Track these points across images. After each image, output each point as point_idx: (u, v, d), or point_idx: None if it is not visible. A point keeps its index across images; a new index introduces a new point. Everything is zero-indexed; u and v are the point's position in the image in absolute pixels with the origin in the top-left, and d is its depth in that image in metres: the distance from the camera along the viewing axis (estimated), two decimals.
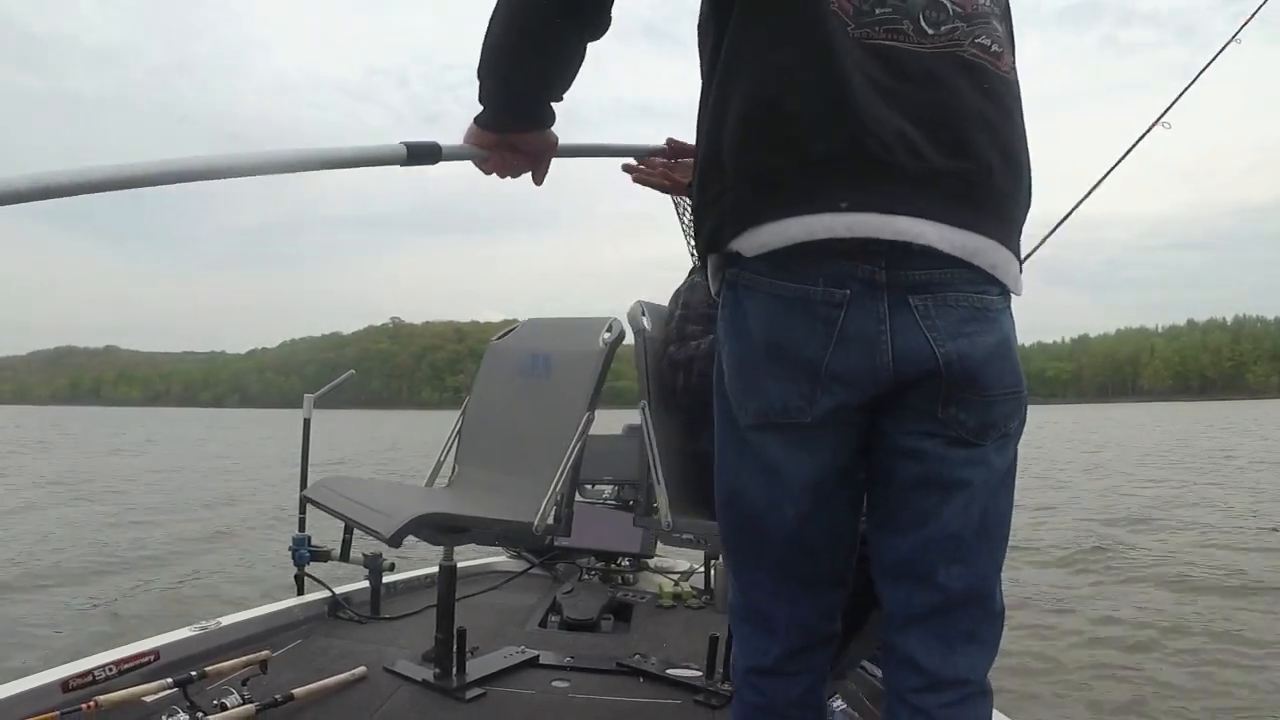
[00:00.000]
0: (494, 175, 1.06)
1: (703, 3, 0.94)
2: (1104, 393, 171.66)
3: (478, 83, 0.96)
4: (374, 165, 0.98)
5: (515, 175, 1.07)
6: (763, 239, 0.81)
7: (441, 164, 1.01)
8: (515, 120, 1.01)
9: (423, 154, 0.98)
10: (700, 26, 0.94)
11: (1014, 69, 0.89)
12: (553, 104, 1.01)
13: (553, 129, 1.05)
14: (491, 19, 0.90)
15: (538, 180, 1.11)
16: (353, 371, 3.39)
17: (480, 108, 1.00)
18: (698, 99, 0.93)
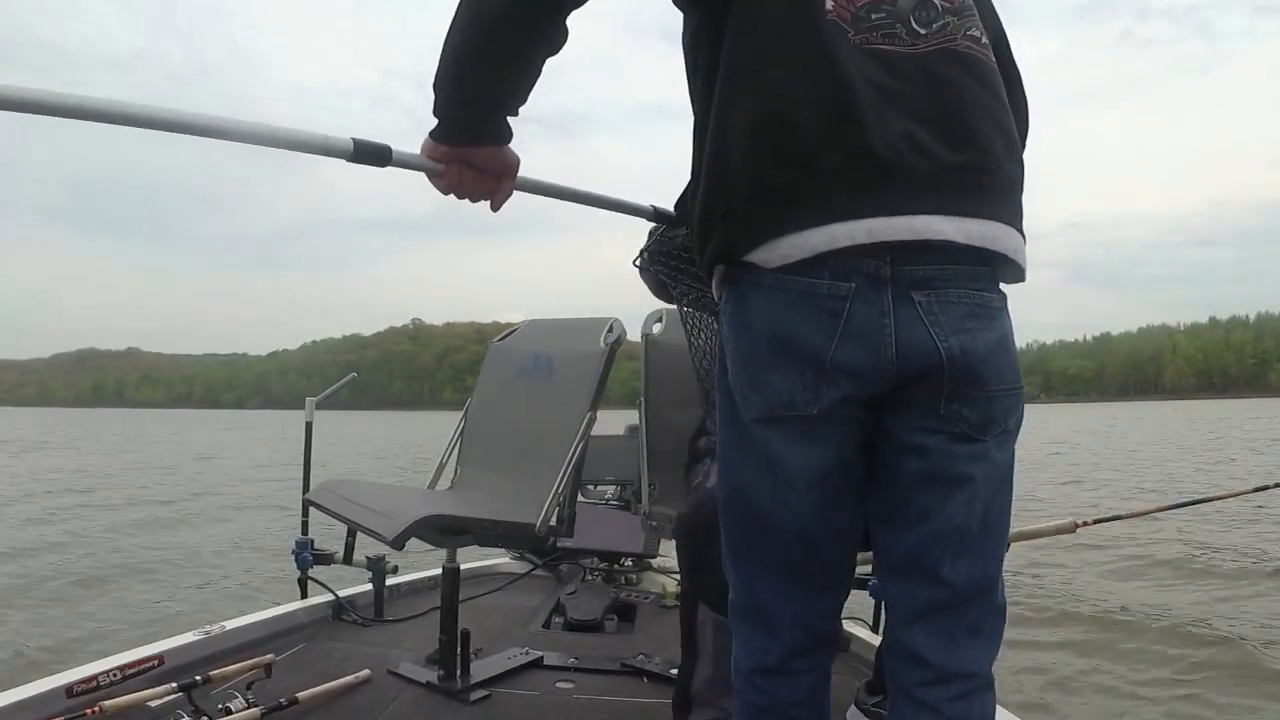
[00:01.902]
0: (451, 196, 1.00)
1: (686, 24, 0.94)
2: (1126, 390, 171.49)
3: (433, 95, 0.93)
4: (318, 154, 0.94)
5: (473, 198, 1.02)
6: (783, 251, 0.82)
7: (391, 169, 0.97)
8: (468, 134, 0.96)
9: (371, 154, 0.95)
10: (688, 45, 0.95)
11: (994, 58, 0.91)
12: (509, 119, 0.96)
13: (512, 148, 0.99)
14: (449, 31, 0.88)
15: (495, 206, 1.04)
16: (355, 374, 3.39)
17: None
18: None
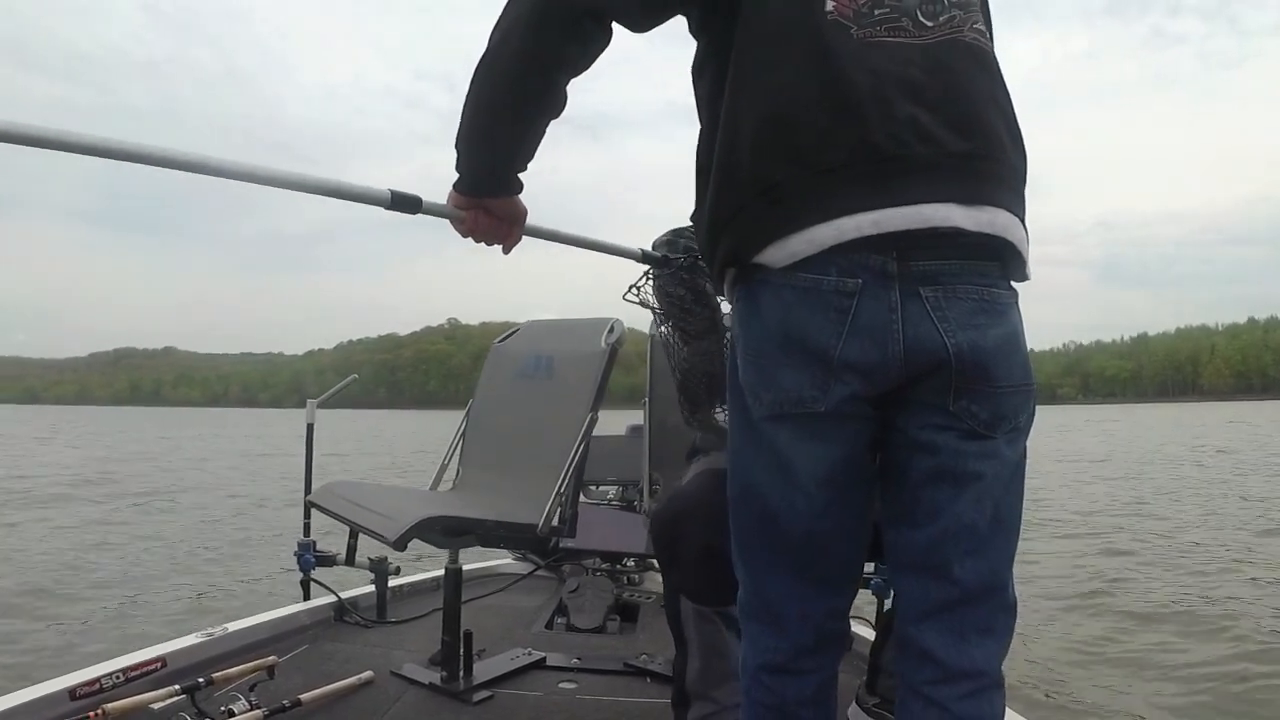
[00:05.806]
0: (469, 239, 1.16)
1: (699, 47, 0.97)
2: (1164, 391, 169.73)
3: (455, 154, 1.06)
4: (359, 201, 1.09)
5: (489, 242, 1.18)
6: (792, 249, 0.82)
7: (421, 215, 1.13)
8: (485, 187, 1.11)
9: (405, 203, 1.11)
10: (696, 67, 0.98)
11: None
12: (518, 174, 1.10)
13: (520, 199, 1.15)
14: (465, 102, 0.99)
15: (506, 249, 1.21)
16: (355, 375, 3.40)
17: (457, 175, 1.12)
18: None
